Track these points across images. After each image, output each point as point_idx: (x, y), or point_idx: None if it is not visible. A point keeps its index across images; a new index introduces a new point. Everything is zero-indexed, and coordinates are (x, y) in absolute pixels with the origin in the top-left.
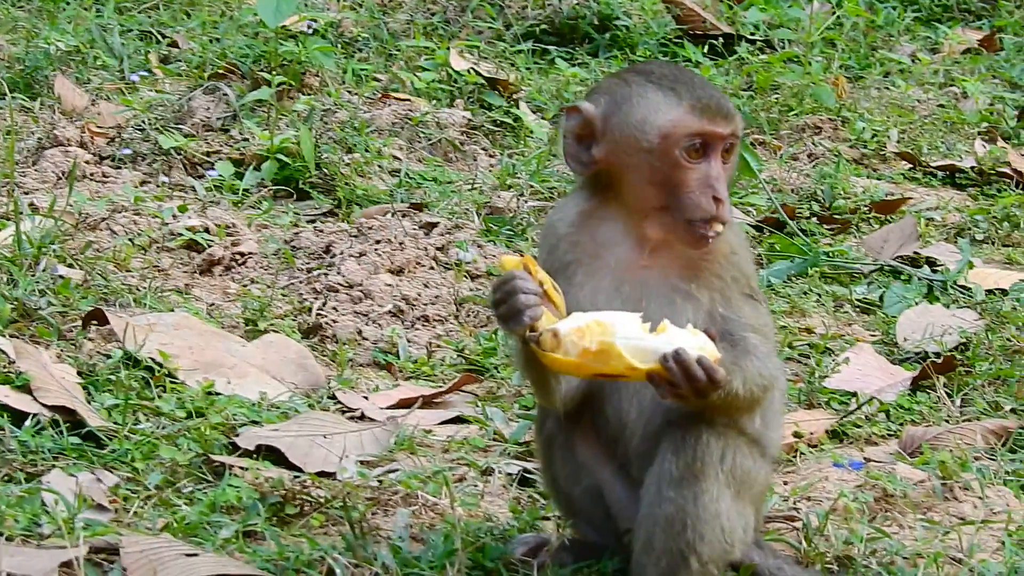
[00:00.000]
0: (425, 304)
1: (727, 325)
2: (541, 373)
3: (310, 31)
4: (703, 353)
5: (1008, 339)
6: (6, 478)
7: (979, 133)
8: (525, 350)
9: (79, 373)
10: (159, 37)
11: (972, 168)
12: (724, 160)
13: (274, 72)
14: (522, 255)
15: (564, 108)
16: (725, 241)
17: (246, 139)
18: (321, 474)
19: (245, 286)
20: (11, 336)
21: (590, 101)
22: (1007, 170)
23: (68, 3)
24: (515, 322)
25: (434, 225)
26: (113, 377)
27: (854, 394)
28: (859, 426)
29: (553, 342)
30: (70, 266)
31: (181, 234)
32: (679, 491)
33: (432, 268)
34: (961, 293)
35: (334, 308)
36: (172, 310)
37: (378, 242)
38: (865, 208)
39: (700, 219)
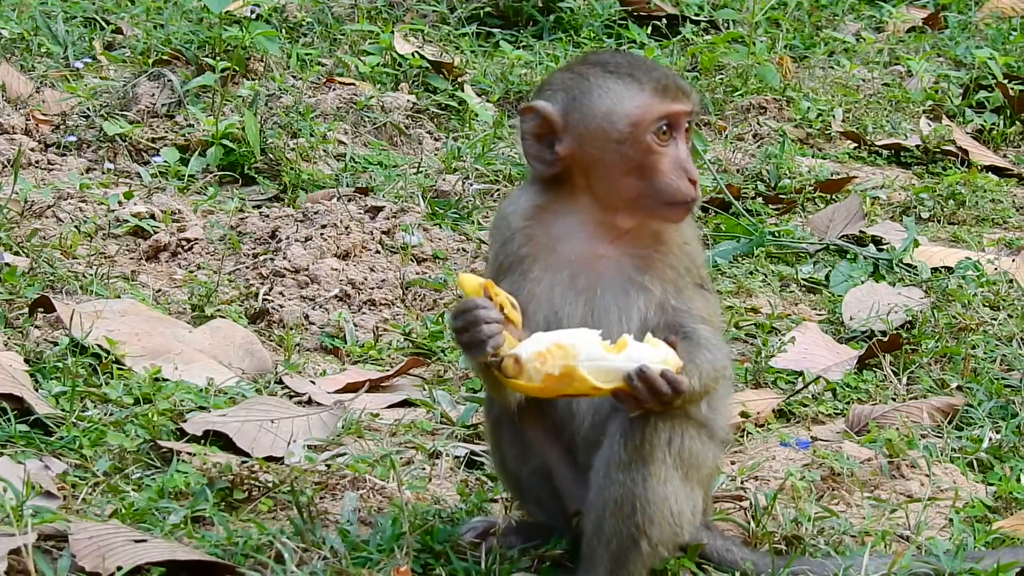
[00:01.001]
0: (371, 288)
1: (678, 316)
2: (498, 384)
3: (254, 16)
4: (665, 365)
5: (954, 317)
6: None
7: (924, 111)
8: (486, 371)
9: (26, 361)
10: (103, 24)
11: (917, 146)
12: (685, 139)
13: (218, 58)
14: (482, 279)
15: (520, 110)
16: (678, 232)
17: (191, 125)
18: (269, 459)
19: (191, 272)
20: None
21: (544, 99)
22: (952, 148)
23: None
24: (478, 351)
25: (380, 209)
26: (60, 364)
27: (800, 373)
28: (806, 405)
29: (515, 368)
30: (16, 254)
31: (127, 221)
32: (627, 474)
33: (378, 252)
34: (907, 271)
35: (280, 293)
36: (119, 297)
37: (324, 227)
38: (810, 187)
39: (677, 201)
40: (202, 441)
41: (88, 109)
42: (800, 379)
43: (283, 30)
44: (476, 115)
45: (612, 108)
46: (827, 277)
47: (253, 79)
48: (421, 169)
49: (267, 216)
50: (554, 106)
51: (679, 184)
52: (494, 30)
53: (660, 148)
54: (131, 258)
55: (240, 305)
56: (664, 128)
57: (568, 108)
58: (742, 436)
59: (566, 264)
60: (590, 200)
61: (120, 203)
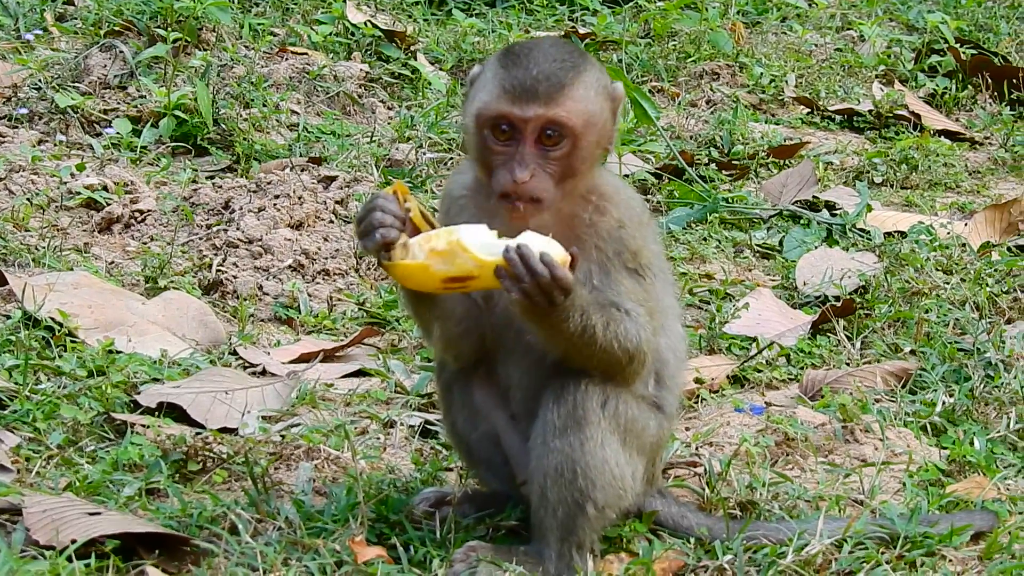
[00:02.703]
0: (325, 258)
1: (605, 295)
2: (416, 305)
3: None
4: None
5: (907, 281)
6: None
7: (876, 76)
8: (390, 276)
9: None
10: None
11: (870, 111)
12: (546, 145)
13: (170, 28)
14: (395, 182)
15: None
16: (612, 216)
17: (143, 96)
18: (223, 430)
19: (145, 244)
20: None
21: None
22: (904, 113)
23: None
24: (369, 239)
25: (333, 179)
26: (13, 338)
27: (754, 339)
28: (760, 371)
29: (403, 252)
30: None
31: (79, 193)
32: (564, 440)
33: (332, 222)
34: (860, 236)
35: (234, 264)
36: (71, 269)
37: (277, 197)
38: (764, 153)
39: (500, 194)
40: (156, 413)
41: (40, 81)
42: (754, 345)
43: (235, 0)
44: (429, 84)
45: (473, 96)
46: (780, 243)
47: (205, 50)
48: (374, 138)
49: (220, 187)
50: (475, 74)
51: (501, 180)
52: None
53: (496, 146)
54: (84, 230)
55: (194, 276)
56: (503, 128)
57: (471, 82)
58: (697, 402)
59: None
60: None
61: (72, 175)
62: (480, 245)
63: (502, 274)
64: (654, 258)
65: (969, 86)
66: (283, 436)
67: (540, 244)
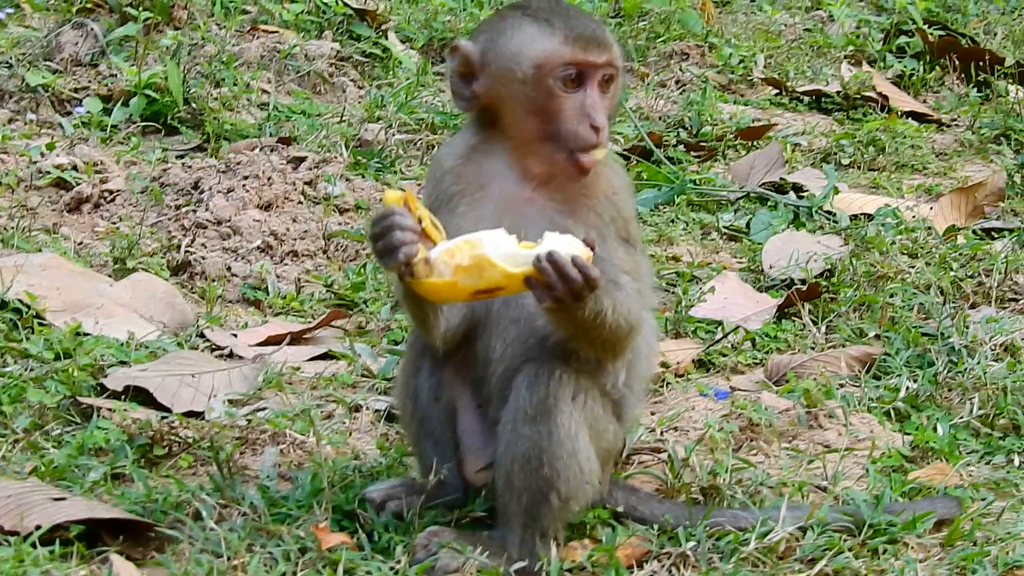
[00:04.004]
0: (294, 239)
1: (599, 264)
2: (421, 309)
3: None
4: (575, 251)
5: (872, 265)
6: None
7: (845, 57)
8: (404, 286)
9: None
10: None
11: (838, 92)
12: (604, 90)
13: (141, 7)
14: (404, 191)
15: (449, 49)
16: (606, 181)
17: (114, 75)
18: (189, 414)
19: (113, 224)
20: None
21: (471, 39)
22: (872, 94)
23: None
24: (390, 258)
25: (302, 159)
26: None
27: (720, 323)
28: (725, 355)
29: (426, 269)
30: None
31: (49, 172)
32: (533, 428)
33: (300, 203)
34: (827, 219)
35: (203, 245)
36: (40, 250)
37: (246, 177)
38: (732, 135)
39: (579, 148)
40: (122, 396)
41: (10, 59)
42: (720, 329)
43: None
44: (400, 63)
45: (520, 49)
46: (748, 225)
47: (177, 28)
48: (344, 118)
49: (189, 167)
50: (474, 46)
51: (578, 129)
52: None
53: (564, 94)
54: (53, 210)
55: (162, 257)
56: (572, 75)
57: (486, 47)
58: (662, 386)
59: (492, 204)
60: (511, 142)
61: (42, 154)
62: (505, 257)
63: (533, 284)
64: (639, 235)
65: (937, 67)
66: (249, 420)
67: (565, 246)
